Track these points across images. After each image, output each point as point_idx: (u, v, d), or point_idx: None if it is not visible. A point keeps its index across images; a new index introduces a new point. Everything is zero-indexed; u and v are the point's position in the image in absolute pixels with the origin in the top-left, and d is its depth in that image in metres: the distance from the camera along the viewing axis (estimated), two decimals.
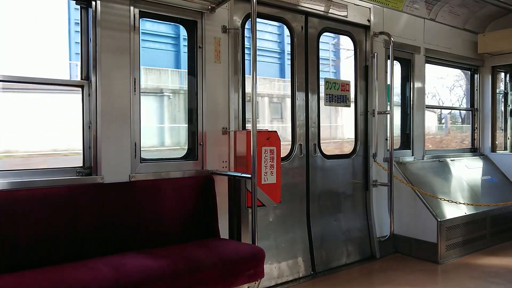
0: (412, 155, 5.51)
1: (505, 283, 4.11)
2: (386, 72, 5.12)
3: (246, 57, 3.94)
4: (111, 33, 3.19)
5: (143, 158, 3.41)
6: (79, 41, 3.22)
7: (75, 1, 3.16)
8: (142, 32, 3.39)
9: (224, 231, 3.63)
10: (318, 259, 4.42)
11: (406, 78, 5.61)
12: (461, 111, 14.99)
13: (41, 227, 2.77)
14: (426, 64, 5.69)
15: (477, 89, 6.60)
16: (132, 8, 3.29)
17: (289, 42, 4.42)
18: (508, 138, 6.68)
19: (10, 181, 2.84)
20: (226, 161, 3.78)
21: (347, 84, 4.81)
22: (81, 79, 3.19)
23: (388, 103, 5.06)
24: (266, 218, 4.12)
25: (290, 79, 4.42)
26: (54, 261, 2.74)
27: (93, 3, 3.12)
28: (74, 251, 2.86)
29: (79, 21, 3.22)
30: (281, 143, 3.66)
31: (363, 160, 4.98)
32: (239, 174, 3.49)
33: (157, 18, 3.58)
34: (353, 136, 4.99)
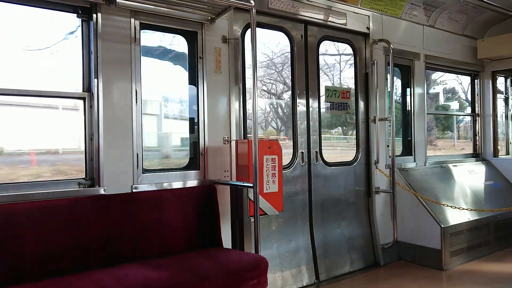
0: (414, 161, 5.50)
1: None
2: (386, 79, 5.13)
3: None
4: (112, 45, 3.22)
5: (145, 169, 3.42)
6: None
7: (76, 14, 3.19)
8: None
9: (226, 241, 3.62)
10: (321, 267, 4.40)
11: (407, 85, 5.62)
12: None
13: (43, 239, 2.77)
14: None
15: (477, 94, 6.61)
16: (132, 20, 3.32)
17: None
18: (510, 142, 6.67)
19: (12, 194, 2.84)
20: (228, 171, 3.78)
21: (347, 91, 4.83)
22: (83, 91, 3.21)
23: (389, 109, 5.07)
24: (269, 227, 4.11)
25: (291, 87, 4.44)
26: (57, 273, 2.73)
27: (94, 16, 3.15)
28: (77, 263, 2.85)
29: (81, 34, 3.25)
30: None
31: (365, 167, 4.97)
32: (241, 183, 3.50)
33: (158, 30, 3.61)
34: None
